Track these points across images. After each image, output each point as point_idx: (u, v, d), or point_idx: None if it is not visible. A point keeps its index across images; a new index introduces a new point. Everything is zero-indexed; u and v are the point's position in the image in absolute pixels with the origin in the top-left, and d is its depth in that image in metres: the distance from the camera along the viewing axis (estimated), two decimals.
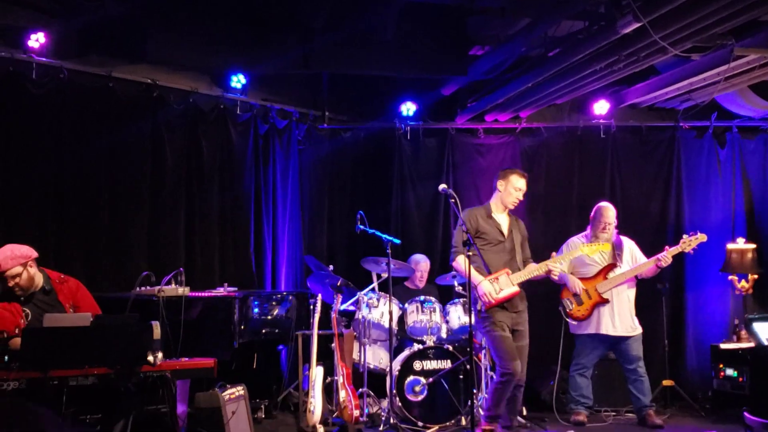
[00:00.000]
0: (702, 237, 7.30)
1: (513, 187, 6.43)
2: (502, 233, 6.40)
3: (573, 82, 7.55)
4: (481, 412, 6.63)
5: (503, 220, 6.49)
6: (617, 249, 7.54)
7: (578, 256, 7.11)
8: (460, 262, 6.32)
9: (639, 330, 7.50)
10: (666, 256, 7.25)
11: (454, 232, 6.54)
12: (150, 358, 4.90)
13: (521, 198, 6.50)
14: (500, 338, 6.14)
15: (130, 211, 7.41)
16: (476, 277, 6.17)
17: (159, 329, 5.05)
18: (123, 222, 7.35)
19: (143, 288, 6.23)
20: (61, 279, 5.60)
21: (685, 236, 7.36)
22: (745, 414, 4.41)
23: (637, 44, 6.31)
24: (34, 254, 5.46)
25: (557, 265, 6.60)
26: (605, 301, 7.39)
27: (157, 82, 7.54)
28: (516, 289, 6.24)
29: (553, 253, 6.93)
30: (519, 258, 6.42)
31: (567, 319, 7.54)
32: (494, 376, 6.43)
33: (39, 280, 5.48)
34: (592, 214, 7.60)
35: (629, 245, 7.64)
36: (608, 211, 7.50)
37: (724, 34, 6.51)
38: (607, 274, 7.44)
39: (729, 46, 6.65)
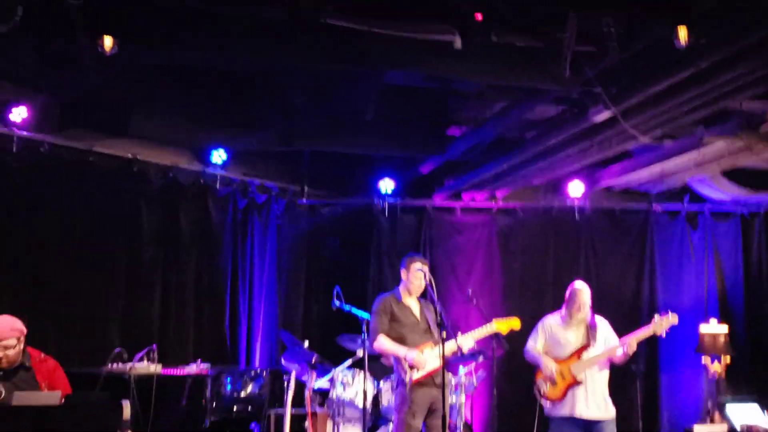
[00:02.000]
0: (673, 319, 7.31)
1: (412, 276, 6.44)
2: (414, 315, 6.42)
3: (547, 164, 7.70)
4: None
5: (412, 303, 6.50)
6: (591, 329, 7.52)
7: (553, 335, 7.14)
8: (382, 341, 6.33)
9: (613, 412, 7.46)
10: (629, 342, 7.21)
11: (372, 318, 6.49)
12: None
13: (423, 283, 6.40)
14: (404, 424, 6.10)
15: (106, 284, 7.40)
16: (399, 349, 6.18)
17: (129, 409, 5.00)
18: (98, 295, 7.33)
19: (115, 365, 6.18)
20: (41, 358, 5.54)
21: (656, 316, 7.35)
22: None
23: (608, 131, 6.48)
24: (25, 329, 5.43)
25: (466, 341, 6.55)
26: (579, 383, 7.36)
27: (138, 156, 7.60)
28: (439, 363, 6.20)
29: (459, 333, 6.85)
30: (436, 338, 6.41)
31: (541, 401, 7.51)
32: None
33: (22, 356, 5.44)
34: (567, 293, 7.60)
35: (604, 326, 7.63)
36: (583, 291, 7.50)
37: (693, 123, 6.69)
38: (581, 354, 7.42)
39: (698, 134, 6.82)
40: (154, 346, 6.23)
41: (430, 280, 6.04)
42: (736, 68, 5.21)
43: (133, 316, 7.51)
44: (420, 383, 6.16)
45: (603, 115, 6.03)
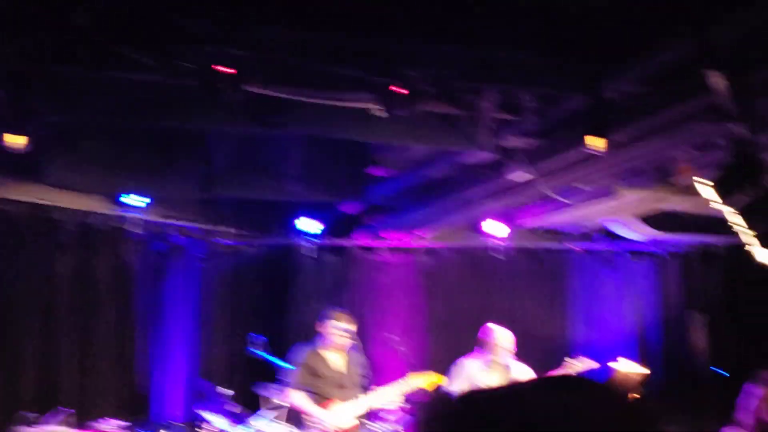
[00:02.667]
0: (589, 363, 7.39)
1: (332, 332, 6.43)
2: (331, 369, 6.39)
3: (467, 210, 7.75)
4: None
5: (331, 356, 6.47)
6: (509, 374, 7.56)
7: (471, 378, 7.20)
8: (295, 398, 6.30)
9: None
10: None
11: (293, 371, 6.47)
12: None
13: (347, 336, 6.44)
14: None
15: (19, 335, 7.17)
16: (313, 409, 6.16)
17: None
18: (10, 346, 7.08)
19: (22, 429, 5.98)
20: None
21: (569, 360, 7.42)
22: None
23: (525, 188, 6.54)
24: None
25: (382, 398, 6.55)
26: None
27: (50, 203, 7.39)
28: (355, 422, 6.21)
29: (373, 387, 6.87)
30: (355, 392, 6.42)
31: None
32: None
33: None
34: (484, 336, 7.58)
35: (522, 370, 7.66)
36: (498, 334, 7.51)
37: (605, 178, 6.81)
38: None
39: (612, 188, 6.95)
40: (72, 410, 6.05)
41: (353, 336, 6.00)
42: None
43: (47, 368, 7.29)
44: None
45: (519, 176, 6.09)
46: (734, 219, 5.90)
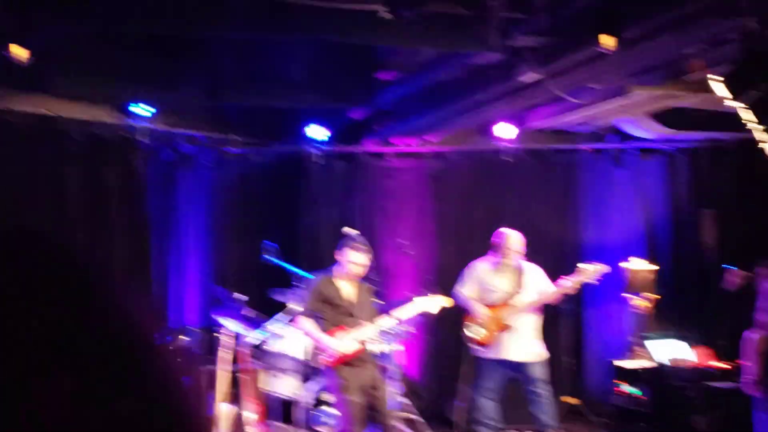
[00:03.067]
0: (603, 268, 7.43)
1: (348, 261, 6.37)
2: (347, 300, 6.37)
3: (477, 114, 7.68)
4: None
5: (344, 285, 6.43)
6: (520, 276, 7.64)
7: (482, 280, 7.32)
8: (305, 324, 6.38)
9: (542, 354, 7.67)
10: (572, 287, 7.39)
11: (306, 297, 6.44)
12: None
13: (361, 267, 6.37)
14: (348, 403, 6.17)
15: None
16: (320, 336, 6.24)
17: None
18: None
19: None
20: None
21: (582, 265, 7.46)
22: None
23: (535, 89, 6.47)
24: None
25: (389, 322, 6.56)
26: (508, 328, 7.52)
27: (56, 113, 7.35)
28: (358, 347, 6.29)
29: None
30: (364, 321, 6.45)
31: (470, 345, 7.68)
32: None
33: None
34: (495, 240, 7.66)
35: (534, 272, 7.73)
36: (510, 237, 7.59)
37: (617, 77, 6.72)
38: (511, 301, 7.56)
39: (623, 83, 6.86)
40: None
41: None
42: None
43: None
44: (347, 364, 6.24)
45: (530, 77, 6.01)
46: (746, 115, 5.85)
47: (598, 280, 7.47)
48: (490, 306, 7.57)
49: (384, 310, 6.55)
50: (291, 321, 7.52)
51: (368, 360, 6.21)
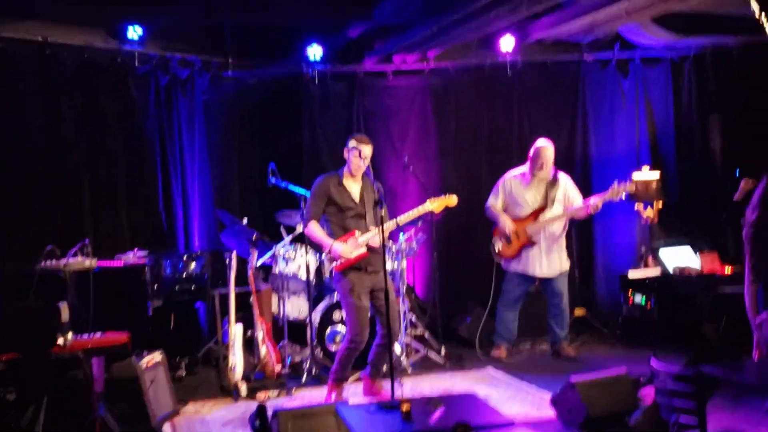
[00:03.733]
0: (631, 187, 7.32)
1: (351, 153, 6.19)
2: (352, 200, 6.24)
3: (479, 23, 7.51)
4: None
5: (352, 185, 6.27)
6: (551, 189, 7.54)
7: (513, 193, 7.44)
8: (312, 228, 6.22)
9: (566, 266, 7.66)
10: (595, 204, 7.31)
11: (309, 200, 6.27)
12: (60, 341, 4.79)
13: (362, 163, 6.18)
14: (354, 306, 6.08)
15: (30, 179, 7.14)
16: (326, 240, 6.12)
17: (67, 310, 4.92)
18: (23, 191, 7.07)
19: (48, 262, 6.03)
20: None
21: (615, 183, 7.33)
22: (652, 359, 4.58)
23: None
24: None
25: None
26: (533, 243, 7.49)
27: (49, 39, 7.18)
28: (363, 250, 6.19)
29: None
30: (369, 220, 6.35)
31: (496, 258, 7.70)
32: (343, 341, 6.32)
33: None
34: (531, 152, 7.56)
35: (565, 184, 7.62)
36: (546, 149, 7.48)
37: None
38: (538, 216, 7.52)
39: None
40: (87, 240, 6.07)
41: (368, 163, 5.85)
42: None
43: (63, 207, 7.31)
44: (353, 268, 6.16)
45: None
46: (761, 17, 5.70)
47: (622, 200, 7.39)
48: (519, 220, 7.54)
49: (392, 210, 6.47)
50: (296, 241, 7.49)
51: (377, 265, 6.12)
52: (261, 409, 4.30)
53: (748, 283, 4.73)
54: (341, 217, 6.20)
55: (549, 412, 5.52)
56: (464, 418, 4.42)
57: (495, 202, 7.68)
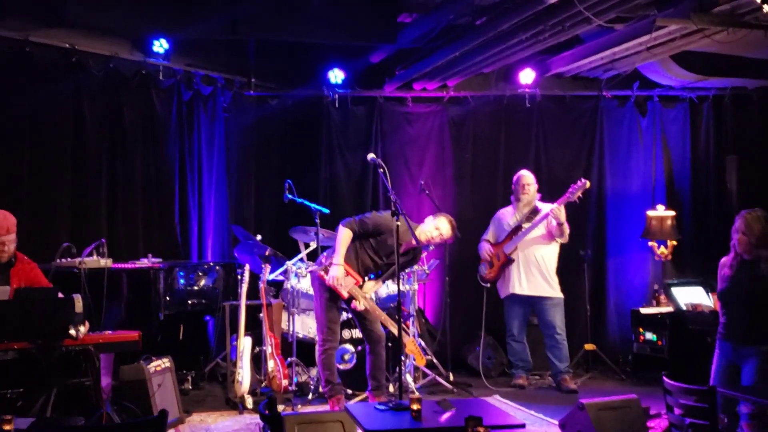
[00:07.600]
0: (585, 184, 7.41)
1: (432, 232, 6.24)
2: (387, 253, 6.25)
3: (499, 51, 7.58)
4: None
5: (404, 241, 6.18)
6: (534, 213, 7.64)
7: (500, 223, 7.35)
8: (343, 234, 6.13)
9: (555, 294, 7.64)
10: (553, 210, 7.36)
11: (367, 218, 6.25)
12: (72, 331, 4.79)
13: (431, 245, 6.53)
14: (326, 304, 6.18)
15: (51, 180, 7.20)
16: (340, 255, 6.09)
17: (81, 302, 4.93)
18: (44, 191, 7.13)
19: (64, 260, 6.07)
20: (24, 260, 5.42)
21: (572, 186, 7.45)
22: (664, 378, 4.54)
23: (562, 14, 6.38)
24: None
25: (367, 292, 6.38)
26: (511, 261, 7.57)
27: (76, 46, 7.28)
28: (352, 294, 6.17)
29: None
30: (378, 270, 6.36)
31: (482, 283, 7.77)
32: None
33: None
34: (513, 181, 7.77)
35: (548, 209, 7.67)
36: (525, 175, 7.74)
37: (647, 5, 6.61)
38: (514, 234, 7.63)
39: (651, 16, 6.75)
40: (103, 240, 6.10)
41: (383, 169, 5.88)
42: None
43: (80, 212, 7.36)
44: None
45: None
46: None
47: (579, 198, 7.45)
48: (497, 244, 7.68)
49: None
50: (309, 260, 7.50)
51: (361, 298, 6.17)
52: (271, 399, 4.26)
53: None
54: (365, 252, 6.21)
55: None
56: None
57: (486, 235, 7.84)
